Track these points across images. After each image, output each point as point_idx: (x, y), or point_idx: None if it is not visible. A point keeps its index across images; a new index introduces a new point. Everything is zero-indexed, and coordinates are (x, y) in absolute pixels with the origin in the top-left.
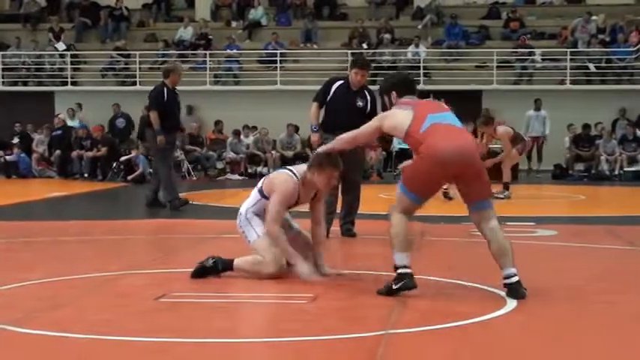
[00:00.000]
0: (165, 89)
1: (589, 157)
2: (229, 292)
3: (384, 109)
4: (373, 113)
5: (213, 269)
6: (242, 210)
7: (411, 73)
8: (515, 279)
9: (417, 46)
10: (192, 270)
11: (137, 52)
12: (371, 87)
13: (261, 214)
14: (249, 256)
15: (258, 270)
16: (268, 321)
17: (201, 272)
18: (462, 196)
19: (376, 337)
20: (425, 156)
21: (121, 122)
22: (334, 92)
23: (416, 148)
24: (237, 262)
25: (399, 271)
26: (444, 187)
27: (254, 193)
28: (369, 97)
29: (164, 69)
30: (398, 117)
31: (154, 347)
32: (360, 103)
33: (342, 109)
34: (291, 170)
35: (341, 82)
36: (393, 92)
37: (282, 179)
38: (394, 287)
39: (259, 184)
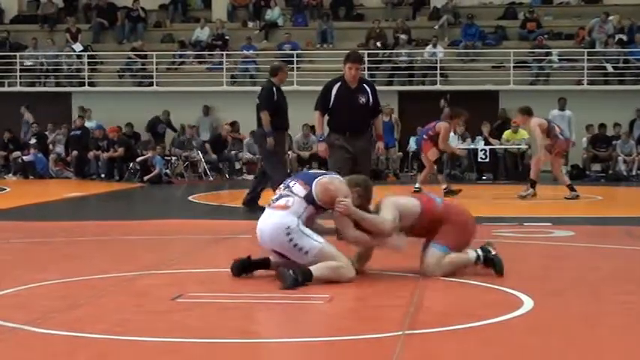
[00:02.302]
0: (274, 88)
1: (606, 158)
2: (245, 293)
3: None
4: (376, 106)
5: (295, 281)
6: (289, 223)
7: (428, 73)
8: None
9: (434, 46)
10: (283, 285)
11: (154, 53)
12: (385, 88)
13: (306, 222)
14: (322, 264)
15: (339, 276)
16: (284, 321)
17: (294, 284)
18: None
19: (393, 337)
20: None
21: (162, 128)
22: (335, 95)
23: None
24: (315, 271)
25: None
26: (443, 186)
27: (297, 202)
28: (369, 91)
29: (271, 67)
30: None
31: (170, 347)
32: (362, 100)
33: (346, 109)
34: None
35: (339, 83)
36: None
37: (338, 183)
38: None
39: (301, 192)
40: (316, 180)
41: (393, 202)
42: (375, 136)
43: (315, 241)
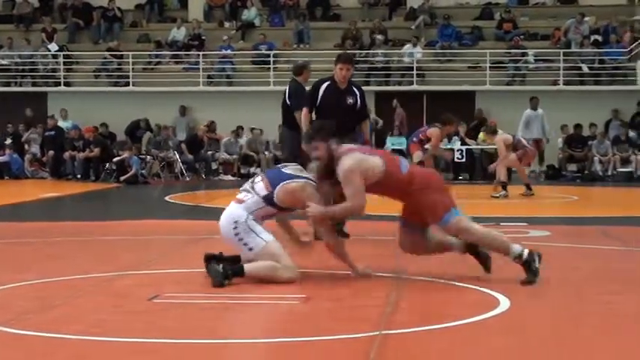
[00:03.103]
0: (301, 87)
1: (582, 158)
2: (222, 293)
3: None
4: (363, 109)
5: (224, 276)
6: (237, 217)
7: (405, 73)
8: None
9: (414, 46)
10: (212, 281)
11: (130, 53)
12: (365, 87)
13: (259, 221)
14: (261, 262)
15: (275, 276)
16: (261, 321)
17: (223, 278)
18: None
19: (369, 337)
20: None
21: (141, 132)
22: (323, 94)
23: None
24: (248, 268)
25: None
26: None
27: (254, 199)
28: (357, 93)
29: (296, 66)
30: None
31: (146, 347)
32: (350, 101)
33: (333, 109)
34: (308, 178)
35: (327, 82)
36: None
37: (310, 191)
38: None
39: (262, 191)
40: (282, 184)
41: (352, 171)
42: (363, 141)
43: (259, 238)
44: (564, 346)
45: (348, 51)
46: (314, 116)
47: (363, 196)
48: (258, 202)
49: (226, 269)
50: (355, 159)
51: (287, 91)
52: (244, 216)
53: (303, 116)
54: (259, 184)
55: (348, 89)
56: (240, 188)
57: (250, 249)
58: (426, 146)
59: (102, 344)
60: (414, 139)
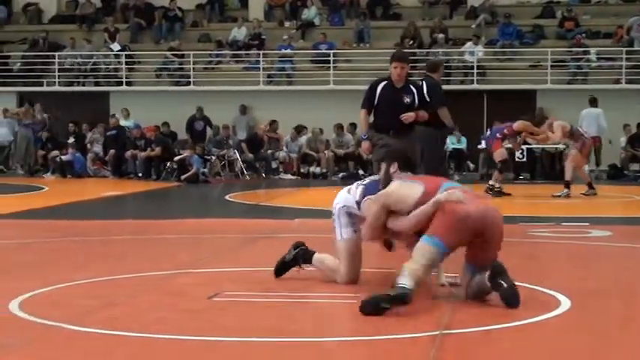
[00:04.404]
0: (437, 84)
1: None
2: (282, 292)
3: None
4: (422, 107)
5: (293, 261)
6: (337, 201)
7: (466, 72)
8: None
9: (475, 44)
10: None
11: (191, 53)
12: None
13: (351, 216)
14: (330, 257)
15: (331, 276)
16: (320, 320)
17: (283, 267)
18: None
19: (429, 337)
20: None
21: (199, 125)
22: (380, 94)
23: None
24: (317, 257)
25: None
26: (490, 182)
27: (352, 197)
28: (415, 91)
29: (432, 63)
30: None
31: (206, 346)
32: (407, 100)
33: (390, 108)
34: None
35: (384, 82)
36: (395, 163)
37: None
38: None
39: (358, 195)
40: (367, 197)
41: (377, 201)
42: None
43: (339, 231)
44: (626, 347)
45: (408, 50)
46: (372, 117)
47: (372, 229)
48: (352, 202)
49: (298, 251)
50: (391, 186)
51: (423, 88)
52: (341, 204)
53: (361, 118)
54: (360, 188)
55: (404, 88)
56: (358, 182)
57: (336, 237)
58: (507, 145)
59: (162, 342)
60: (498, 135)
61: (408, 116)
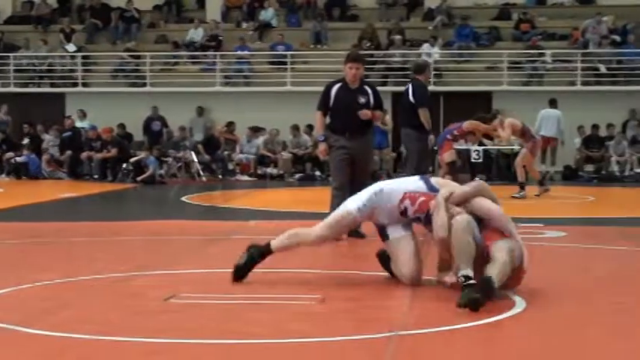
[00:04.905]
0: (424, 85)
1: (599, 159)
2: (238, 294)
3: None
4: (377, 107)
5: (250, 262)
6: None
7: None
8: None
9: (432, 46)
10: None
11: (148, 54)
12: (379, 88)
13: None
14: (294, 229)
15: (306, 240)
16: (276, 322)
17: (241, 271)
18: None
19: (385, 338)
20: None
21: (156, 125)
22: (335, 95)
23: None
24: (277, 240)
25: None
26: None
27: (396, 188)
28: (370, 92)
29: (418, 65)
30: None
31: (159, 348)
32: (362, 100)
33: (345, 109)
34: None
35: (339, 84)
36: None
37: None
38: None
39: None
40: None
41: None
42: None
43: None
44: (580, 348)
45: (365, 51)
46: (328, 119)
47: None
48: (399, 190)
49: (252, 252)
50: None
51: (409, 90)
52: (381, 185)
53: (317, 120)
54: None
55: (359, 89)
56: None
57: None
58: (462, 146)
59: (113, 344)
60: (448, 136)
61: (364, 113)
